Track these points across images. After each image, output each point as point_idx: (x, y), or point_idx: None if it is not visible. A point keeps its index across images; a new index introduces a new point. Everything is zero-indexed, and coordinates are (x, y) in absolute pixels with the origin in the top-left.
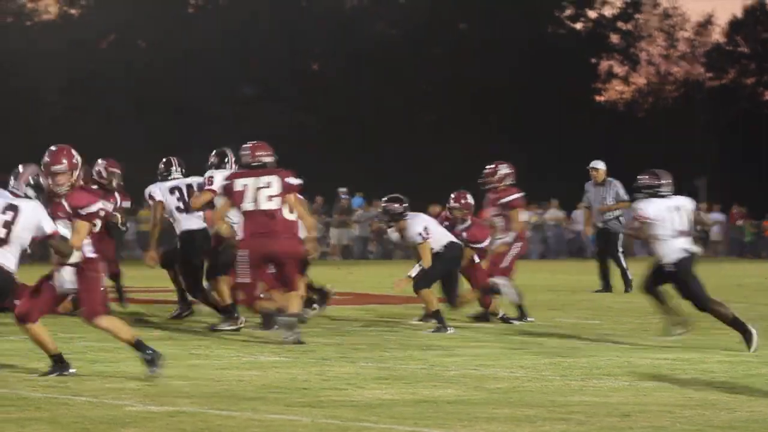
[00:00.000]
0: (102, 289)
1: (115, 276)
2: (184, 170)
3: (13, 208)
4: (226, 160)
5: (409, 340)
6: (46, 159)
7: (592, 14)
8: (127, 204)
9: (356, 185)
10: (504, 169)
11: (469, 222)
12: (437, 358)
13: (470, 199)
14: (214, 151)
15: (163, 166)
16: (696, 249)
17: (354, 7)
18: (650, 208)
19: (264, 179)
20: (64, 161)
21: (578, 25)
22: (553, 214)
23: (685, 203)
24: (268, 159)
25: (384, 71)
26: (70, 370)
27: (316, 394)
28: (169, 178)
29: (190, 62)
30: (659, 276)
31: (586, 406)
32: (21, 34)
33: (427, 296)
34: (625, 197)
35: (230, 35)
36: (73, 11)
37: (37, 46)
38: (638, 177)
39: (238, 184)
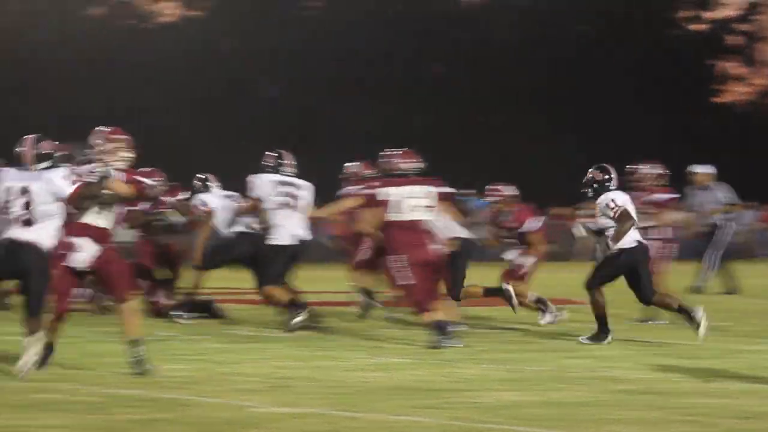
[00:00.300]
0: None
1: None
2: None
3: (25, 190)
4: (281, 161)
5: (536, 341)
6: (105, 133)
7: (709, 16)
8: (184, 195)
9: (479, 187)
10: (647, 169)
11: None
12: (564, 359)
13: (507, 190)
14: (273, 152)
15: (200, 183)
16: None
17: (472, 10)
18: (620, 199)
19: (413, 189)
20: (126, 136)
21: (695, 27)
22: (673, 217)
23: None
24: (416, 167)
25: (502, 73)
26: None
27: (442, 396)
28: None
29: (307, 64)
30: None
31: (711, 408)
32: (141, 36)
33: (513, 293)
34: (728, 200)
35: (348, 36)
36: (193, 14)
37: (156, 49)
38: (589, 171)
39: (385, 193)
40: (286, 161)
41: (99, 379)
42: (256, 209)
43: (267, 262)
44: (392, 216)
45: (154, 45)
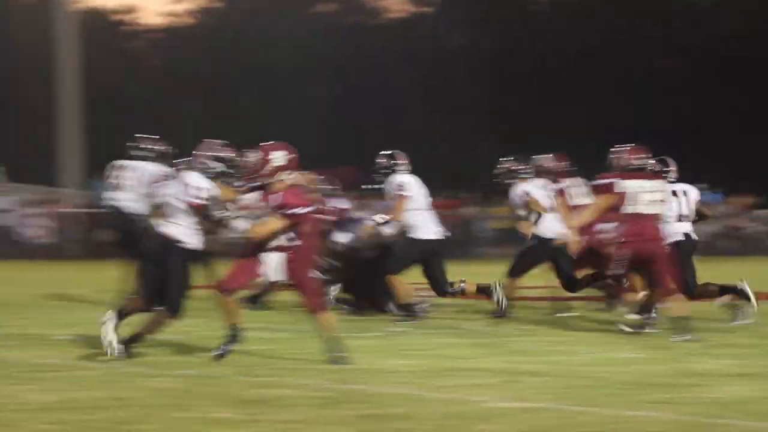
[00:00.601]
0: (312, 278)
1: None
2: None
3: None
4: (393, 162)
5: None
6: (267, 148)
7: None
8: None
9: (717, 181)
10: None
11: None
12: None
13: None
14: (385, 153)
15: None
16: (696, 237)
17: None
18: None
19: (647, 183)
20: (288, 153)
21: None
22: None
23: (690, 191)
24: (646, 162)
25: (735, 68)
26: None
27: (675, 391)
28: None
29: (536, 64)
30: None
31: None
32: (368, 33)
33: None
34: None
35: (574, 30)
36: (422, 10)
37: (384, 45)
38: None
39: (622, 186)
40: (400, 160)
41: (329, 374)
42: (404, 207)
43: (401, 252)
44: (628, 209)
45: (383, 42)
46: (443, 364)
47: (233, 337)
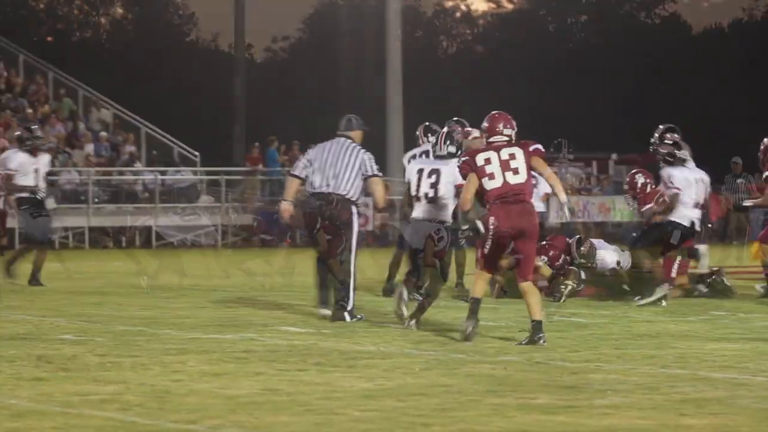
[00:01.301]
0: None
1: None
2: None
3: (435, 171)
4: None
5: None
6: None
7: None
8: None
9: None
10: None
11: None
12: None
13: None
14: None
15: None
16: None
17: None
18: (678, 175)
19: None
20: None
21: None
22: None
23: (705, 178)
24: None
25: None
26: (542, 342)
27: None
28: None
29: None
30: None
31: None
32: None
33: None
34: None
35: None
36: None
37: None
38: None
39: None
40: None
41: (649, 359)
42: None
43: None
44: None
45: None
46: (764, 348)
47: (534, 335)
